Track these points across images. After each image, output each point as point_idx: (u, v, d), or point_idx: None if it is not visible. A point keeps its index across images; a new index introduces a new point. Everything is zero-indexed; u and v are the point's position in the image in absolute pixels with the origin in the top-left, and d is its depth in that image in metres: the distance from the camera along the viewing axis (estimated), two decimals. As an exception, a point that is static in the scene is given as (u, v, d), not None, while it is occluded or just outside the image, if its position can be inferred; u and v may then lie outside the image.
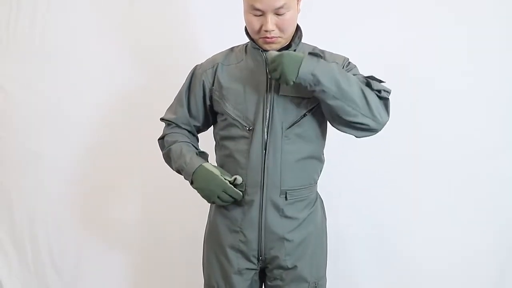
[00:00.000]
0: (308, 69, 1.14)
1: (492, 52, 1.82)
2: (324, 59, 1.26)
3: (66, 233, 2.03)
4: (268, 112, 1.24)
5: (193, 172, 1.26)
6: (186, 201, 1.92)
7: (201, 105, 1.36)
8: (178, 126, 1.40)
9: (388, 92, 1.23)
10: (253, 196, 1.26)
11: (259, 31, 1.21)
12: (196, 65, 1.39)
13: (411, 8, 1.84)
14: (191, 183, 1.29)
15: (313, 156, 1.29)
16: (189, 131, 1.41)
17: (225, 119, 1.30)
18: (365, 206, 1.89)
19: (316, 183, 1.35)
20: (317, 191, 1.37)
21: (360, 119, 1.18)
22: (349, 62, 1.32)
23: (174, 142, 1.35)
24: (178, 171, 1.34)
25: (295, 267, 1.28)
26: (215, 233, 1.34)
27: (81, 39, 1.96)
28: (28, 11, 1.97)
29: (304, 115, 1.25)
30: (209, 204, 1.39)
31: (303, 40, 1.32)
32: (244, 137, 1.26)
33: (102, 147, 1.99)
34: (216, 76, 1.32)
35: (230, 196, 1.24)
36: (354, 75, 1.27)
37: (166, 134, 1.39)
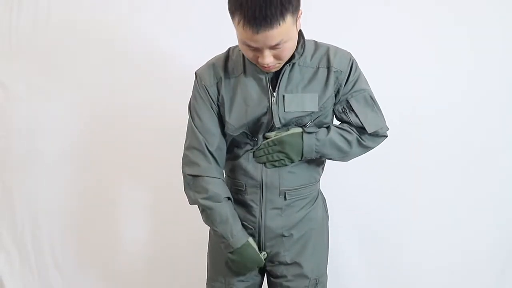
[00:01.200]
0: (310, 148, 1.23)
1: (492, 52, 1.82)
2: (328, 56, 1.22)
3: (68, 233, 2.04)
4: (270, 125, 1.22)
5: (238, 247, 1.26)
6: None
7: (217, 117, 1.28)
8: (215, 162, 1.27)
9: (385, 131, 1.30)
10: (253, 197, 1.27)
11: (255, 60, 1.13)
12: (198, 77, 1.28)
13: (412, 8, 1.84)
14: (229, 252, 1.27)
15: (314, 159, 1.29)
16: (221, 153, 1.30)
17: (229, 135, 1.28)
18: (365, 206, 1.89)
19: (318, 181, 1.35)
20: (319, 189, 1.37)
21: (357, 156, 1.32)
22: (355, 68, 1.25)
23: (217, 198, 1.24)
24: (213, 230, 1.29)
25: (295, 263, 1.30)
26: (217, 232, 1.36)
27: (83, 38, 1.97)
28: (30, 10, 1.97)
29: (305, 125, 1.24)
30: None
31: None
32: (248, 143, 1.27)
33: (104, 147, 1.99)
34: (220, 92, 1.25)
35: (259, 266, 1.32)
36: (358, 90, 1.24)
37: (202, 177, 1.25)
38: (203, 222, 1.38)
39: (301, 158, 1.24)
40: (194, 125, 1.27)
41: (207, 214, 1.26)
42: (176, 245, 1.98)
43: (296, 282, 1.30)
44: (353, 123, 1.25)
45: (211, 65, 1.27)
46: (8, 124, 2.03)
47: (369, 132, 1.24)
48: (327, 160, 1.35)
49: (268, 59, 1.10)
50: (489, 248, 1.87)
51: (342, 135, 1.24)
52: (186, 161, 1.28)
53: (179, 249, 1.97)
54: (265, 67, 1.13)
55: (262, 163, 1.25)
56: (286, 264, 1.30)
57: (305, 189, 1.29)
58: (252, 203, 1.28)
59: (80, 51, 1.97)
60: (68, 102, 2.00)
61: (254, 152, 1.26)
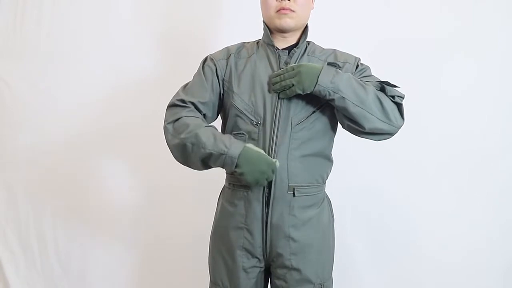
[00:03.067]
0: (327, 78, 1.18)
1: (494, 52, 1.83)
2: (336, 54, 1.33)
3: (72, 232, 2.04)
4: (278, 108, 1.25)
5: (239, 155, 1.17)
6: (192, 199, 1.94)
7: (216, 93, 1.32)
8: (196, 107, 1.29)
9: (402, 97, 1.26)
10: (257, 192, 1.26)
11: (275, 6, 1.25)
12: (207, 56, 1.37)
13: (414, 9, 1.85)
14: (235, 167, 1.18)
15: (321, 153, 1.29)
16: (205, 116, 1.31)
17: (233, 113, 1.29)
18: (370, 207, 1.89)
19: (325, 183, 1.35)
20: (325, 191, 1.36)
21: (377, 124, 1.22)
22: (362, 64, 1.34)
23: (199, 125, 1.22)
24: (207, 158, 1.20)
25: (299, 267, 1.27)
26: (220, 231, 1.34)
27: (87, 37, 1.98)
28: (34, 10, 1.99)
29: (314, 111, 1.25)
30: (216, 201, 1.40)
31: (314, 41, 1.36)
32: (252, 131, 1.26)
33: (107, 146, 2.00)
34: (228, 67, 1.32)
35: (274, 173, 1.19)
36: (368, 76, 1.30)
37: (183, 116, 1.25)
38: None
39: (314, 86, 1.18)
40: (184, 86, 1.33)
41: (195, 143, 1.19)
42: (182, 243, 1.98)
43: (300, 287, 1.27)
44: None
45: (225, 47, 1.38)
46: (12, 124, 2.05)
47: (384, 81, 1.25)
48: (336, 161, 1.35)
49: None
50: (493, 248, 1.86)
51: (359, 82, 1.23)
52: (167, 117, 1.28)
53: (185, 247, 1.97)
54: (283, 10, 1.25)
55: (276, 91, 1.23)
56: (290, 268, 1.27)
57: (312, 188, 1.29)
58: (255, 199, 1.26)
59: (85, 51, 1.99)
60: (71, 102, 2.01)
61: (272, 77, 1.24)
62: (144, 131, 1.96)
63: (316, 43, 1.38)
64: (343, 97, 1.19)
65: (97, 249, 2.04)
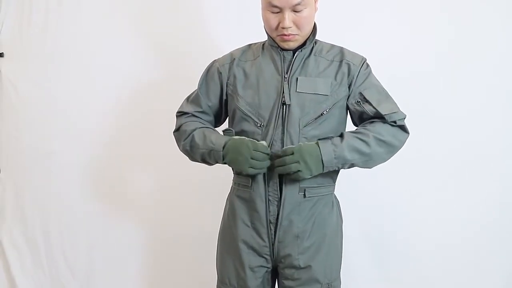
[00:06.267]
0: (330, 156, 1.21)
1: (494, 52, 1.83)
2: (343, 52, 1.31)
3: (78, 231, 2.05)
4: (284, 110, 1.25)
5: (223, 146, 1.24)
6: (200, 199, 1.95)
7: (216, 99, 1.37)
8: (194, 115, 1.39)
9: (403, 118, 1.28)
10: (260, 191, 1.27)
11: (276, 28, 1.24)
12: (214, 60, 1.40)
13: (417, 10, 1.85)
14: (223, 159, 1.26)
15: None
16: (205, 121, 1.41)
17: (238, 115, 1.30)
18: (375, 208, 1.89)
19: (334, 184, 1.36)
20: (334, 193, 1.37)
21: (385, 159, 1.30)
22: (367, 65, 1.33)
23: (194, 129, 1.34)
24: (204, 157, 1.31)
25: (308, 267, 1.28)
26: (227, 230, 1.36)
27: (93, 39, 1.99)
28: (40, 14, 2.00)
29: (322, 113, 1.25)
30: (222, 201, 1.42)
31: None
32: (255, 133, 1.27)
33: (113, 146, 2.01)
34: (232, 71, 1.33)
35: (262, 152, 1.20)
36: (367, 89, 1.29)
37: (182, 124, 1.38)
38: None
39: (322, 168, 1.21)
40: (188, 97, 1.43)
41: (193, 146, 1.33)
42: (189, 243, 1.98)
43: (308, 287, 1.28)
44: (368, 112, 1.27)
45: (229, 53, 1.40)
46: (19, 125, 2.06)
47: (383, 114, 1.25)
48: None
49: (288, 22, 1.21)
50: (495, 249, 1.85)
51: (357, 137, 1.24)
52: (175, 126, 1.41)
53: (192, 247, 1.98)
54: (285, 36, 1.23)
55: (283, 173, 1.23)
56: (299, 268, 1.28)
57: (322, 188, 1.30)
58: (260, 200, 1.27)
59: (90, 52, 2.00)
60: (77, 104, 2.02)
61: (273, 162, 1.23)
62: (148, 131, 1.98)
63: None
64: (352, 164, 1.25)
65: (103, 249, 2.05)
